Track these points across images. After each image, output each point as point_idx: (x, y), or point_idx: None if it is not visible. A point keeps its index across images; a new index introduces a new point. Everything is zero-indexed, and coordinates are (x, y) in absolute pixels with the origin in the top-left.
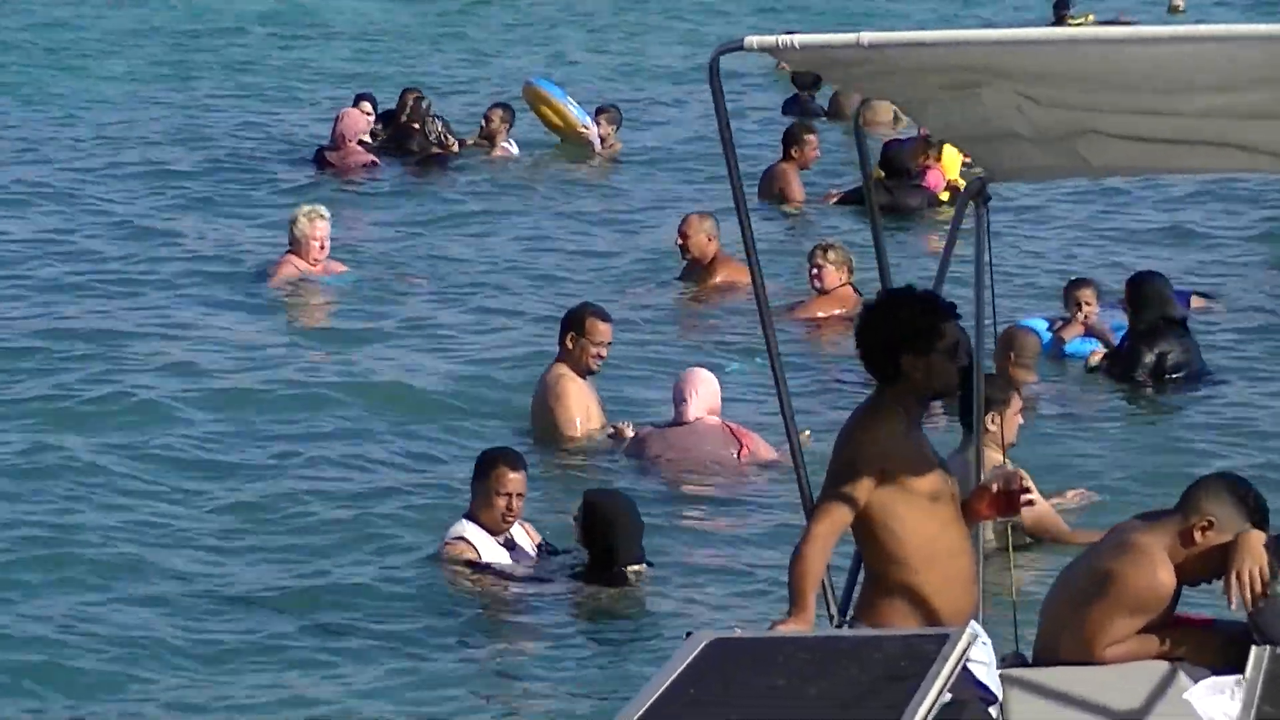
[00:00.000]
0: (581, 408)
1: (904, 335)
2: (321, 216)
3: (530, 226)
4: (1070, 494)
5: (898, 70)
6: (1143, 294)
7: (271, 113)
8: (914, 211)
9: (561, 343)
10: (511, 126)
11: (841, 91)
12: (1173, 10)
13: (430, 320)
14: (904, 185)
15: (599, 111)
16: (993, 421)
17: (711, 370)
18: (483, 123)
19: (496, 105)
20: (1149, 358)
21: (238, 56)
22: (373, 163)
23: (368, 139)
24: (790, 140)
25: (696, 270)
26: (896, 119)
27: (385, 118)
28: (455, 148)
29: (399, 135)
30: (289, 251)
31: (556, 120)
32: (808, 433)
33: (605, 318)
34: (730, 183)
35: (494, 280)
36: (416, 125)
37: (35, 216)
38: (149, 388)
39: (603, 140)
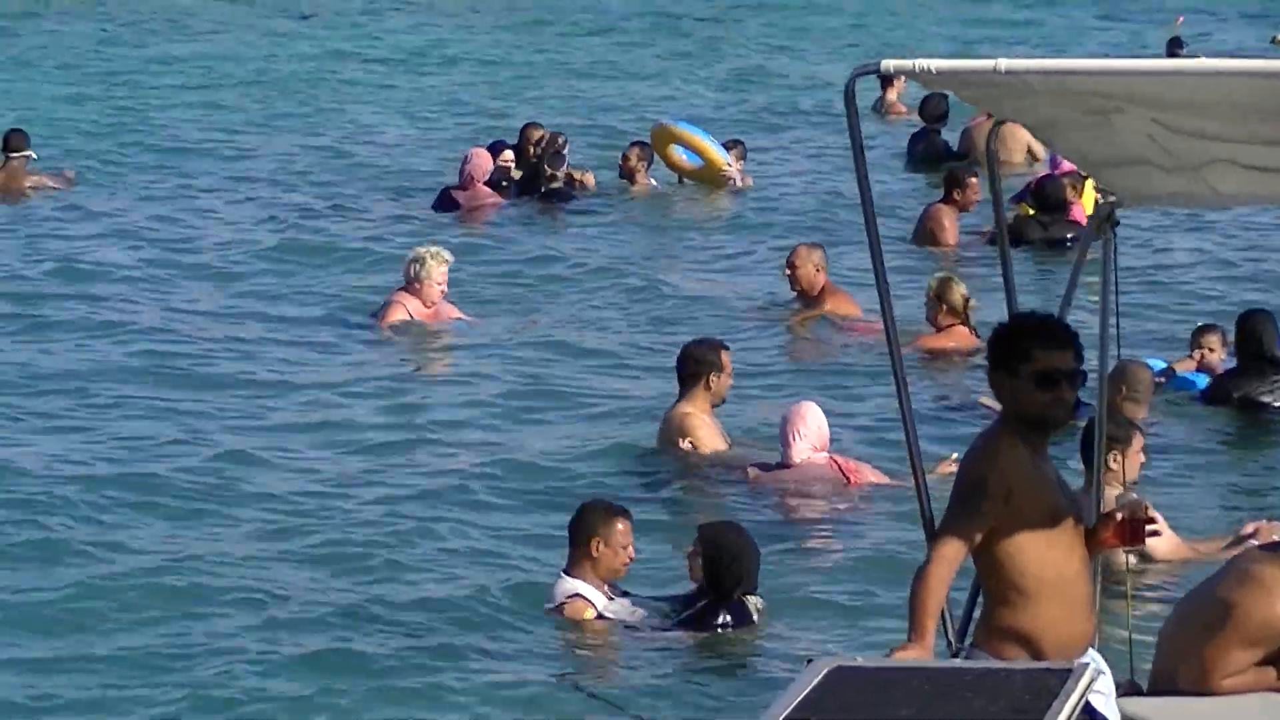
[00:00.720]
0: (714, 444)
1: (995, 356)
2: (444, 259)
3: (653, 265)
4: (1250, 526)
5: (1033, 95)
6: (1243, 331)
7: (399, 150)
8: (1067, 245)
9: (702, 379)
10: (650, 164)
11: (976, 108)
12: (1275, 43)
13: (548, 359)
14: (1057, 219)
15: (728, 146)
16: (1115, 460)
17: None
18: (621, 160)
19: (635, 143)
20: (1236, 394)
21: (364, 95)
22: (501, 203)
23: (509, 173)
24: (952, 183)
25: (806, 301)
26: (1032, 160)
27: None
28: (590, 184)
29: (528, 174)
30: (401, 289)
31: (683, 162)
32: (954, 456)
33: (724, 348)
34: (863, 209)
35: (617, 318)
36: (545, 165)
37: (153, 250)
38: (253, 424)
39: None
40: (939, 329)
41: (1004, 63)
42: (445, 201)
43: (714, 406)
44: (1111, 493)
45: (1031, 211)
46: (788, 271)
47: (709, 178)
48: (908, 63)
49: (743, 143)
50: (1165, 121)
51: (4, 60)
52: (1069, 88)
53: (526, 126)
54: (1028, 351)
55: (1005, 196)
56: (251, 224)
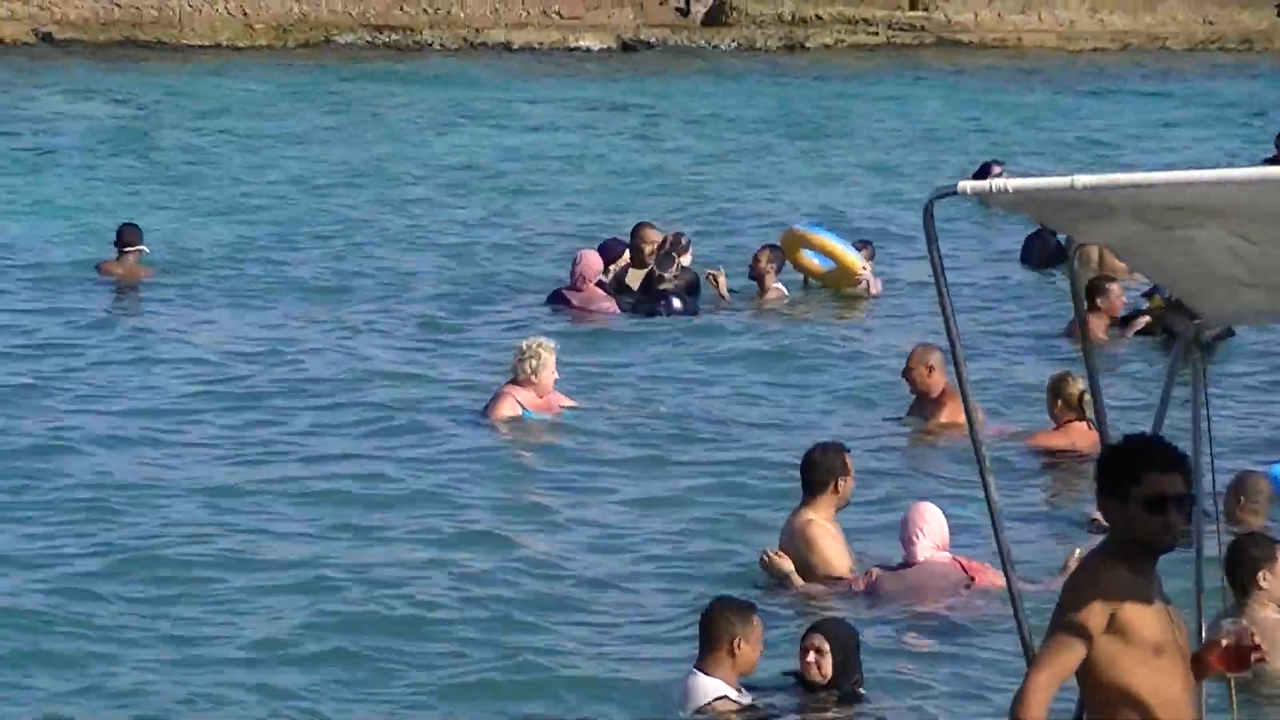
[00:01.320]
0: (838, 552)
1: (1104, 481)
2: (551, 349)
3: (775, 366)
4: None
5: (1111, 212)
6: None
7: (510, 249)
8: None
9: (829, 485)
10: (780, 268)
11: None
12: None
13: (663, 459)
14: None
15: (858, 248)
16: (1264, 579)
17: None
18: (752, 263)
19: (765, 247)
20: None
21: (484, 188)
22: (614, 305)
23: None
24: (1094, 292)
25: (923, 402)
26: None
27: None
28: (723, 284)
29: (648, 277)
30: (510, 382)
31: (814, 266)
32: (1077, 552)
33: (846, 450)
34: (945, 324)
35: (736, 416)
36: (655, 266)
37: (255, 332)
38: (369, 522)
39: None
40: (1056, 425)
41: (1080, 179)
42: (558, 301)
43: (837, 511)
44: (1264, 612)
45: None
46: (905, 373)
47: (840, 281)
48: (984, 183)
49: (871, 244)
50: (1245, 233)
51: (122, 156)
52: (1148, 201)
53: (640, 227)
54: (1137, 475)
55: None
56: (363, 321)
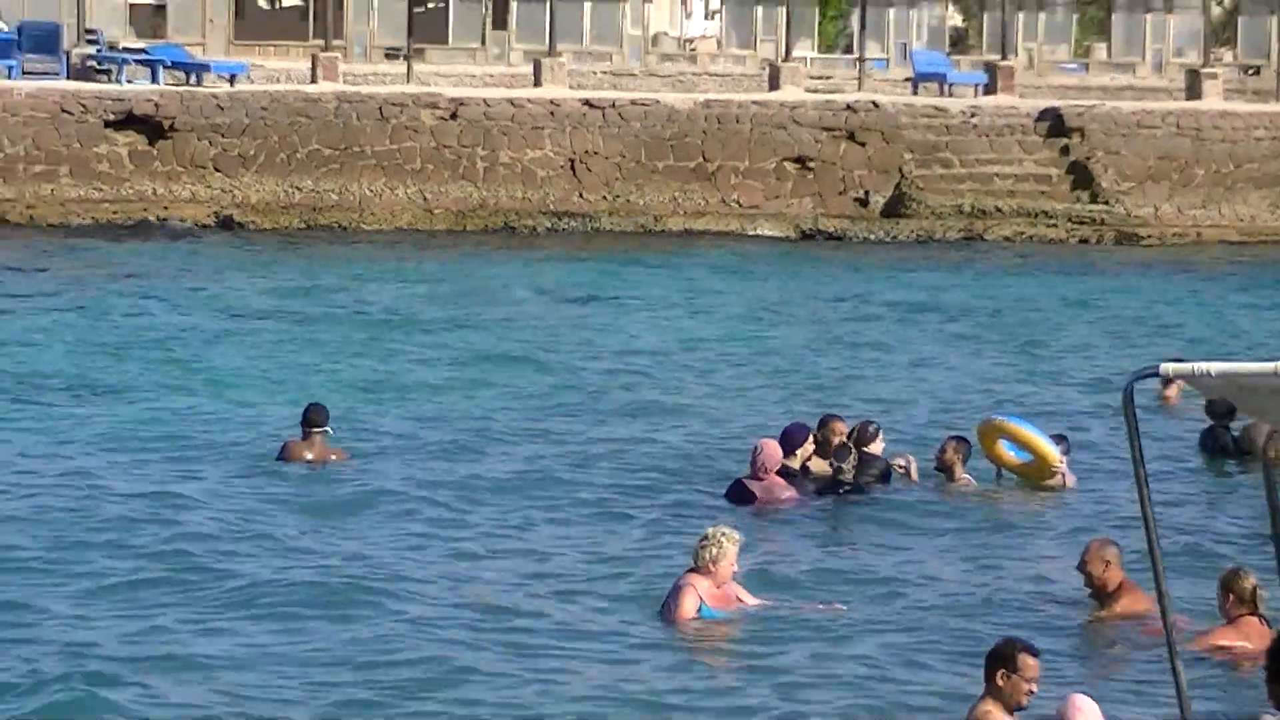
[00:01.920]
0: None
1: (1275, 667)
2: (735, 539)
3: (961, 563)
4: None
5: None
6: None
7: (687, 439)
8: None
9: (991, 680)
10: (967, 459)
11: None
12: None
13: (839, 654)
14: None
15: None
16: None
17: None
18: (938, 454)
19: (951, 438)
20: None
21: (661, 373)
22: (795, 494)
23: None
24: None
25: (1100, 598)
26: None
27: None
28: (914, 473)
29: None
30: (691, 571)
31: (1010, 458)
32: None
33: (1034, 652)
34: (1141, 512)
35: (913, 615)
36: (833, 459)
37: (428, 514)
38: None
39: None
40: (1229, 620)
41: None
42: (739, 491)
43: (1012, 711)
44: None
45: None
46: (1079, 568)
47: (1036, 474)
48: (1186, 366)
49: (1067, 439)
50: None
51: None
52: None
53: (828, 419)
54: None
55: None
56: (544, 506)
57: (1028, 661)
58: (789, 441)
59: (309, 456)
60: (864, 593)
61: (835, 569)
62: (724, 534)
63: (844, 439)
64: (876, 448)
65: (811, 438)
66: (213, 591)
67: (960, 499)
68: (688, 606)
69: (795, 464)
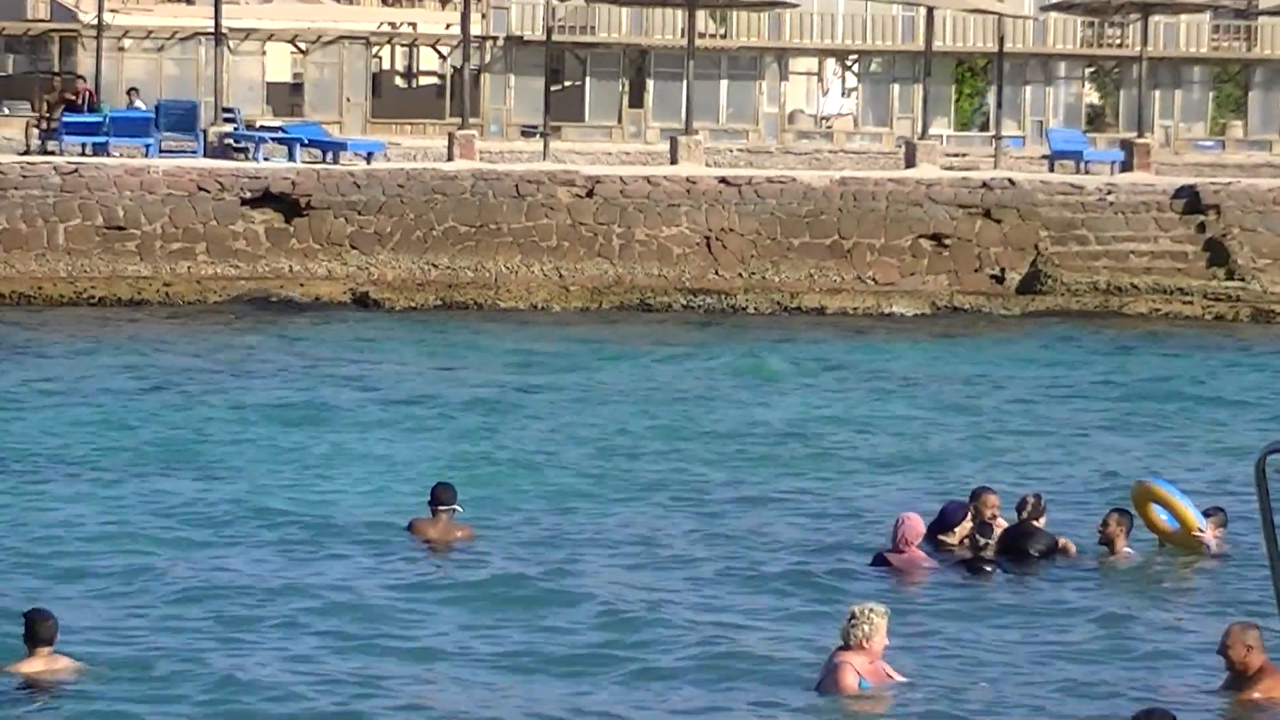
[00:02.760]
0: None
1: None
2: (881, 614)
3: (1108, 637)
4: None
5: None
6: None
7: (827, 513)
8: None
9: None
10: (1129, 531)
11: None
12: None
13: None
14: None
15: (1207, 514)
16: None
17: None
18: (1100, 527)
19: (1114, 510)
20: None
21: (796, 452)
22: (935, 567)
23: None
24: None
25: (1239, 680)
26: None
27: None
28: (1072, 552)
29: (973, 539)
30: (841, 650)
31: (1162, 523)
32: None
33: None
34: (1274, 585)
35: (1051, 694)
36: (975, 533)
37: (567, 584)
38: None
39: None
40: None
41: None
42: (880, 564)
43: None
44: None
45: None
46: (1219, 650)
47: (1184, 542)
48: None
49: (1224, 510)
50: None
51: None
52: None
53: (980, 491)
54: None
55: None
56: (682, 579)
57: None
58: (947, 520)
59: (433, 535)
60: (1007, 669)
61: (977, 643)
62: (872, 610)
63: (996, 511)
64: (1041, 521)
65: (969, 514)
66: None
67: (1115, 574)
68: (849, 682)
69: (953, 540)
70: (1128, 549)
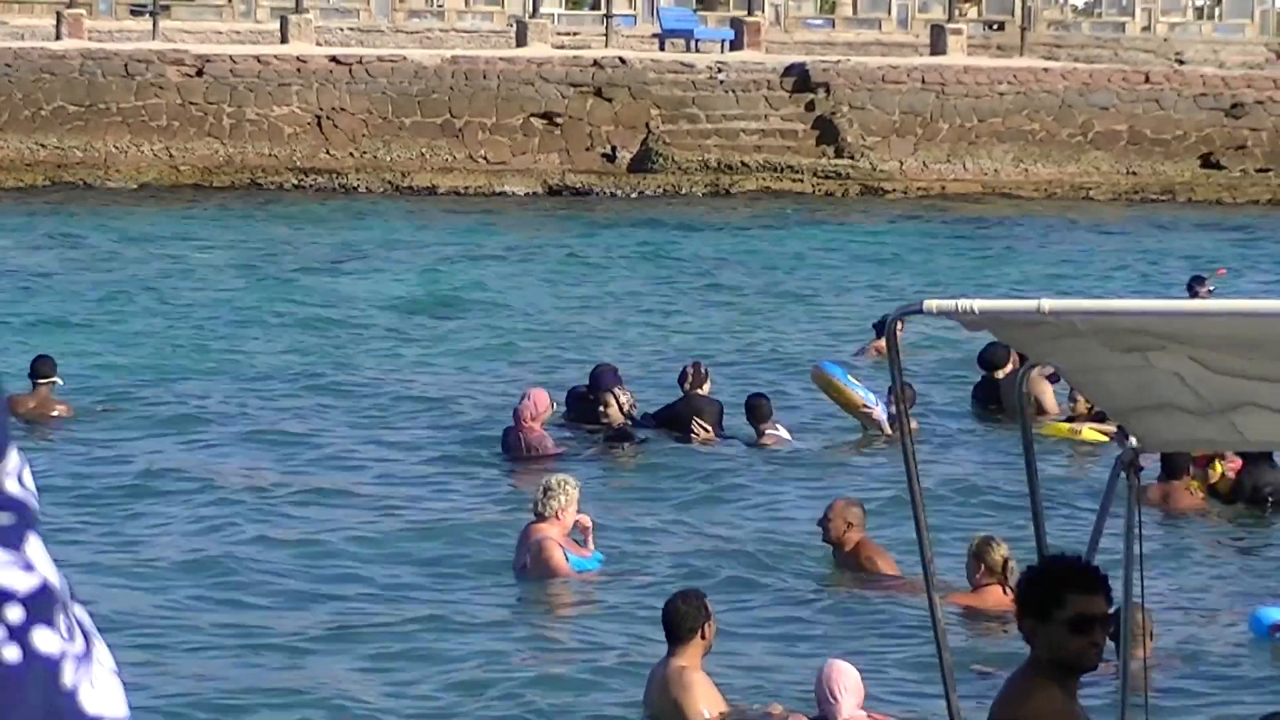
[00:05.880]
0: (715, 698)
1: (1026, 601)
2: (575, 485)
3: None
4: None
5: (1072, 336)
6: None
7: (447, 393)
8: None
9: (698, 631)
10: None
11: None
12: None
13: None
14: None
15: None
16: None
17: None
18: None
19: (692, 360)
20: None
21: (413, 327)
22: (562, 451)
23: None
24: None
25: (839, 554)
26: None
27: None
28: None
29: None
30: (536, 523)
31: (841, 399)
32: None
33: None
34: (903, 452)
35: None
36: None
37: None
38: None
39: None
40: (975, 588)
41: (1047, 303)
42: (509, 439)
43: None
44: None
45: None
46: (821, 521)
47: (861, 418)
48: (950, 302)
49: (911, 386)
50: (1203, 360)
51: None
52: (1111, 327)
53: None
54: (1061, 597)
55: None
56: (312, 484)
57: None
58: (601, 381)
59: (30, 406)
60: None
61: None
62: (565, 481)
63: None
64: (706, 389)
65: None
66: None
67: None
68: (558, 559)
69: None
70: (774, 430)
